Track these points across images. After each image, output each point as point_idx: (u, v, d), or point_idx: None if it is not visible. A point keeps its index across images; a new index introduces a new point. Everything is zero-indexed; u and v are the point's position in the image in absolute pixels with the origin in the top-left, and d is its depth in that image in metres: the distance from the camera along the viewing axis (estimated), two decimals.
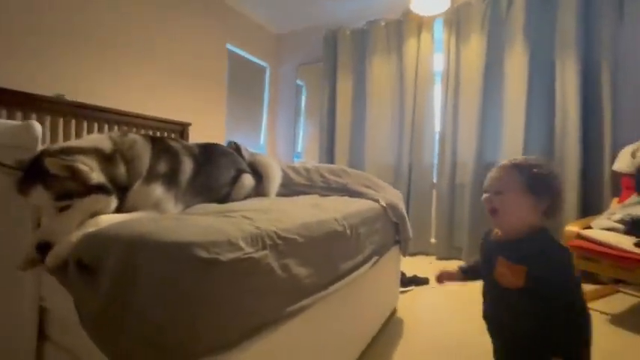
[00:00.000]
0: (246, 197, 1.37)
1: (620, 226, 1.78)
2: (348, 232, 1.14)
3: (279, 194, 1.57)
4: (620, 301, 1.98)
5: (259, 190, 1.46)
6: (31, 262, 0.80)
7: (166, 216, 0.93)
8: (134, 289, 0.69)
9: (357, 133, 3.34)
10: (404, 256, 1.77)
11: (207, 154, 1.32)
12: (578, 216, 2.28)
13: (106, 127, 2.33)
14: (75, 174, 0.81)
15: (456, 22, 2.84)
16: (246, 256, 0.68)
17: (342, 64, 3.38)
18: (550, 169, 0.80)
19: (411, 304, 1.90)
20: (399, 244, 1.71)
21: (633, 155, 2.09)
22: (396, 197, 1.69)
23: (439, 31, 2.98)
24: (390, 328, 1.61)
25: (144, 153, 1.03)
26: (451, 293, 2.15)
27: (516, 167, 0.81)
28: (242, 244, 0.69)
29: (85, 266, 0.75)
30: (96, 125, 2.27)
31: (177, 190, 1.07)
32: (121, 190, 0.93)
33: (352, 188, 1.58)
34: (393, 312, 1.76)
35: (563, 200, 0.81)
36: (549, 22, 2.49)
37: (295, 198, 1.43)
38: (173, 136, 2.68)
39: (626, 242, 1.62)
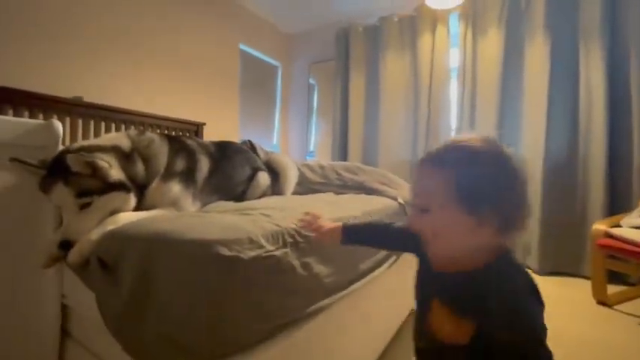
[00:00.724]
0: (262, 196, 1.36)
1: None
2: None
3: (295, 192, 1.56)
4: None
5: (275, 189, 1.45)
6: (54, 260, 0.80)
7: (185, 214, 0.93)
8: (154, 288, 0.68)
9: (370, 130, 3.30)
10: None
11: (223, 152, 1.32)
12: (606, 214, 2.19)
13: (123, 127, 2.36)
14: (95, 171, 0.81)
15: (472, 15, 2.76)
16: (268, 254, 0.67)
17: (354, 61, 3.35)
18: (496, 157, 0.51)
19: None
20: None
21: None
22: None
23: (455, 25, 2.91)
24: (408, 328, 1.57)
25: (161, 151, 1.03)
26: None
27: (441, 164, 0.54)
28: (263, 241, 0.67)
29: (105, 264, 0.75)
30: (113, 126, 2.30)
31: (195, 188, 1.07)
32: (139, 188, 0.93)
33: (369, 185, 1.55)
34: (411, 312, 1.72)
35: (525, 204, 0.51)
36: (572, 11, 2.39)
37: (312, 196, 1.41)
38: (188, 135, 2.71)
39: None
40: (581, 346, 1.42)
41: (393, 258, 1.36)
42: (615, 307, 1.74)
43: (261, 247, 0.66)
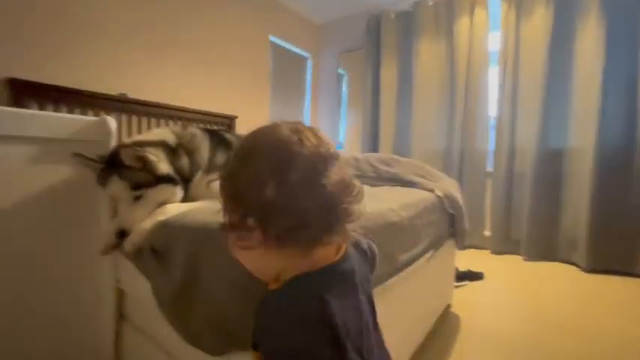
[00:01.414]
0: None
1: None
2: (406, 223, 1.09)
3: None
4: None
5: None
6: (111, 248, 0.86)
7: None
8: (201, 275, 0.71)
9: (402, 119, 3.21)
10: (459, 249, 1.67)
11: None
12: None
13: (162, 122, 2.47)
14: (145, 164, 0.85)
15: None
16: None
17: (386, 49, 3.25)
18: (253, 157, 0.43)
19: (465, 300, 1.81)
20: (454, 237, 1.61)
21: None
22: (453, 187, 1.59)
23: (495, 7, 2.73)
24: (445, 323, 1.54)
25: (203, 145, 1.06)
26: (508, 289, 2.01)
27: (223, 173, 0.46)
28: None
29: (157, 252, 0.80)
30: (154, 121, 2.42)
31: None
32: (185, 180, 0.97)
33: (405, 178, 1.51)
34: (448, 307, 1.68)
35: (307, 212, 0.41)
36: None
37: None
38: (223, 129, 2.78)
39: None
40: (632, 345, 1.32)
41: (431, 252, 1.32)
42: None
43: None
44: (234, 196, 0.44)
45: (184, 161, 0.98)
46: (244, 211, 0.42)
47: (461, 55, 2.83)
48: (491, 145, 2.82)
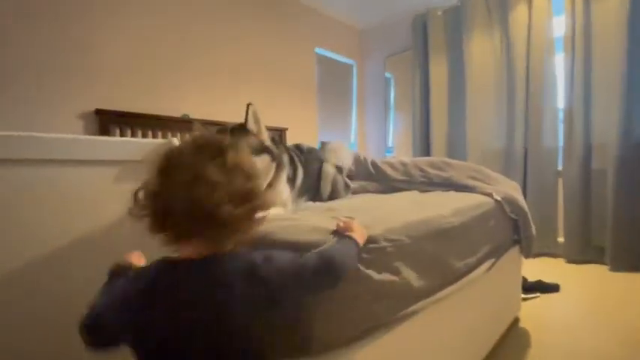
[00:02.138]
0: (332, 187, 1.37)
1: None
2: (458, 230, 1.03)
3: (376, 191, 1.54)
4: None
5: (340, 177, 1.46)
6: None
7: (281, 215, 0.99)
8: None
9: (455, 119, 3.04)
10: (526, 257, 1.52)
11: (303, 154, 1.39)
12: None
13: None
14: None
15: None
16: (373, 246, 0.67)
17: (434, 47, 3.13)
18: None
19: (536, 313, 1.63)
20: (520, 244, 1.48)
21: None
22: (513, 190, 1.46)
23: None
24: (512, 338, 1.41)
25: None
26: (588, 303, 1.77)
27: None
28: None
29: None
30: None
31: (293, 192, 1.16)
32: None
33: (458, 182, 1.43)
34: (515, 321, 1.54)
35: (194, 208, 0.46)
36: None
37: (395, 195, 1.37)
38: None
39: None
40: None
41: (492, 260, 1.23)
42: None
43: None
44: None
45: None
46: None
47: (519, 45, 2.61)
48: (561, 141, 2.53)
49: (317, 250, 0.58)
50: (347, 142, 3.93)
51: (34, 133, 0.89)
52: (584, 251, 2.37)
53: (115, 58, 2.15)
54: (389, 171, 1.60)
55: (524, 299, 1.72)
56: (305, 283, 0.54)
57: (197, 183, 0.46)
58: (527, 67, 2.60)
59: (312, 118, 3.45)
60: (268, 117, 2.98)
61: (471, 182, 1.41)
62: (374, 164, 1.66)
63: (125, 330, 0.49)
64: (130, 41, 2.22)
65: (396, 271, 0.77)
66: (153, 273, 0.50)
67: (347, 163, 1.55)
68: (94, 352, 0.50)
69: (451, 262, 0.99)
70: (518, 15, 2.61)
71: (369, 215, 0.87)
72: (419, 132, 3.28)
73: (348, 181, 1.54)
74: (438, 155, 3.08)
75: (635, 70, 2.14)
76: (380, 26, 3.83)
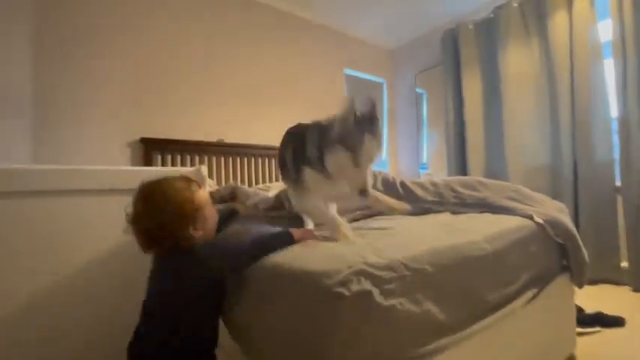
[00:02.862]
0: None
1: None
2: (492, 257, 0.95)
3: (408, 213, 1.48)
4: None
5: None
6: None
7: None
8: (272, 309, 0.74)
9: (492, 134, 2.89)
10: (579, 286, 1.36)
11: None
12: None
13: (253, 160, 2.78)
14: None
15: None
16: (369, 289, 0.64)
17: (466, 61, 3.03)
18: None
19: (596, 351, 1.43)
20: (570, 272, 1.33)
21: None
22: (558, 211, 1.33)
23: None
24: None
25: None
26: None
27: None
28: (364, 277, 0.65)
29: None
30: (245, 160, 2.74)
31: None
32: None
33: (494, 203, 1.34)
34: (570, 359, 1.36)
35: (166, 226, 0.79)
36: None
37: (424, 217, 1.31)
38: None
39: None
40: None
41: (534, 290, 1.12)
42: None
43: (360, 283, 0.64)
44: None
45: None
46: None
47: (560, 53, 2.45)
48: (617, 153, 2.29)
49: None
50: (378, 161, 3.88)
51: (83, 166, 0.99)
52: None
53: (156, 89, 2.35)
54: (419, 192, 1.54)
55: (581, 334, 1.52)
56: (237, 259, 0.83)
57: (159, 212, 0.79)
58: (572, 76, 2.41)
59: None
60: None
61: (508, 203, 1.31)
62: (403, 185, 1.61)
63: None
64: (167, 71, 2.42)
65: (416, 303, 0.72)
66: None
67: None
68: None
69: (483, 294, 0.92)
70: (558, 22, 2.46)
71: (392, 240, 0.84)
72: (453, 149, 3.15)
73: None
74: (476, 173, 2.92)
75: None
76: (409, 43, 3.81)
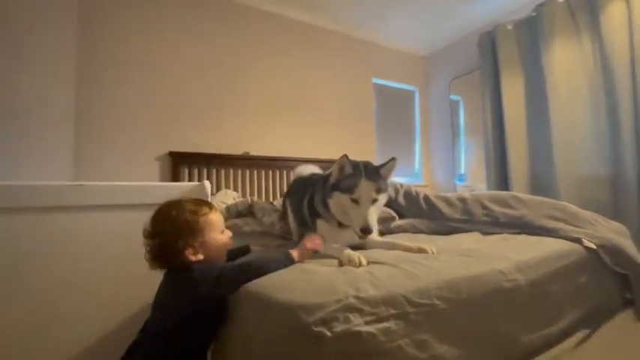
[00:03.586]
0: None
1: None
2: (526, 291, 0.79)
3: (430, 231, 1.33)
4: None
5: None
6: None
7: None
8: (253, 343, 0.66)
9: (537, 140, 2.59)
10: None
11: None
12: None
13: (278, 172, 2.76)
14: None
15: None
16: (359, 329, 0.54)
17: (505, 65, 2.79)
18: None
19: None
20: (635, 307, 1.09)
21: None
22: (616, 233, 1.11)
23: None
24: None
25: None
26: None
27: None
28: (353, 314, 0.55)
29: None
30: (270, 172, 2.73)
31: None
32: None
33: (532, 222, 1.15)
34: None
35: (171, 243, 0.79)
36: None
37: (447, 238, 1.16)
38: None
39: None
40: None
41: (586, 330, 0.92)
42: None
43: (347, 321, 0.54)
44: None
45: None
46: None
47: (617, 48, 2.14)
48: None
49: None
50: (410, 172, 3.69)
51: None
52: None
53: (184, 105, 2.44)
54: (444, 208, 1.39)
55: None
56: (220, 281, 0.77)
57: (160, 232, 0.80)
58: (633, 73, 2.10)
59: (370, 149, 3.35)
60: (325, 150, 3.00)
61: (550, 223, 1.12)
62: (426, 199, 1.47)
63: None
64: (194, 88, 2.49)
65: (422, 347, 0.60)
66: None
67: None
68: None
69: (516, 335, 0.76)
70: (614, 14, 2.17)
71: (397, 268, 0.73)
72: (493, 159, 2.88)
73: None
74: (519, 184, 2.64)
75: None
76: (443, 49, 3.63)
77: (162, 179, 2.32)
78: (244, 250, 1.10)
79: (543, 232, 1.09)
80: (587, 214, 1.15)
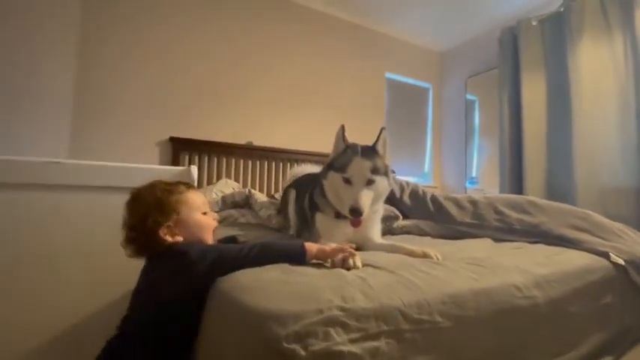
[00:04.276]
0: None
1: None
2: (544, 310, 0.69)
3: (436, 234, 1.23)
4: None
5: None
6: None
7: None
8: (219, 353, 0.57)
9: (557, 146, 2.44)
10: None
11: None
12: None
13: (281, 164, 2.67)
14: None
15: None
16: (340, 348, 0.44)
17: (527, 63, 2.63)
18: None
19: None
20: None
21: None
22: None
23: None
24: None
25: None
26: None
27: None
28: (336, 329, 0.46)
29: None
30: (273, 164, 2.64)
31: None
32: None
33: (551, 231, 1.03)
34: None
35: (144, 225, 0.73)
36: None
37: (453, 243, 1.05)
38: None
39: None
40: None
41: (610, 357, 0.81)
42: None
43: (327, 337, 0.44)
44: None
45: None
46: None
47: None
48: None
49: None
50: (419, 172, 3.55)
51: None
52: None
53: (187, 90, 2.36)
54: (453, 210, 1.28)
55: None
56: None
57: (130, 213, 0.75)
58: None
59: None
60: (330, 145, 2.88)
61: (572, 233, 1.00)
62: (434, 200, 1.36)
63: None
64: (198, 72, 2.41)
65: None
66: None
67: None
68: None
69: (537, 351, 0.66)
70: None
71: (394, 275, 0.63)
72: (508, 164, 2.73)
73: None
74: (534, 192, 2.49)
75: None
76: (461, 45, 3.47)
77: (162, 165, 2.25)
78: (231, 241, 1.01)
79: (563, 243, 0.98)
80: (614, 225, 1.02)
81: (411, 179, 3.26)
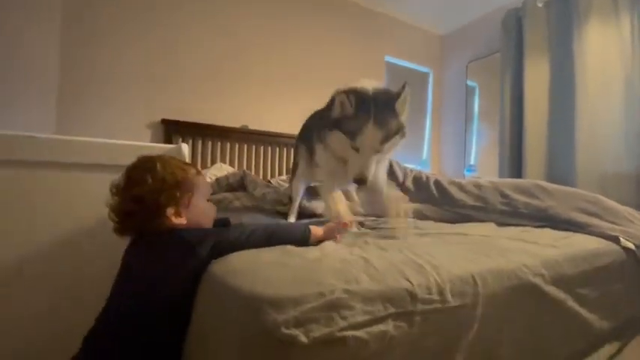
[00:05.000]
0: None
1: None
2: (553, 292, 0.65)
3: (440, 219, 1.19)
4: None
5: None
6: None
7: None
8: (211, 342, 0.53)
9: (558, 133, 2.40)
10: None
11: None
12: None
13: (277, 149, 2.61)
14: None
15: None
16: (344, 334, 0.40)
17: (531, 47, 2.56)
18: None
19: None
20: None
21: None
22: None
23: None
24: None
25: None
26: None
27: None
28: (340, 313, 0.41)
29: None
30: (269, 148, 2.57)
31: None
32: None
33: (559, 215, 1.00)
34: None
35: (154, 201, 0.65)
36: None
37: (457, 227, 1.01)
38: None
39: None
40: None
41: (615, 344, 0.78)
42: None
43: (331, 323, 0.40)
44: None
45: None
46: None
47: None
48: None
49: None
50: (417, 159, 3.51)
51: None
52: None
53: (180, 69, 2.26)
54: (457, 194, 1.24)
55: None
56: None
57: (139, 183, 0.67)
58: None
59: None
60: None
61: (580, 217, 0.96)
62: (437, 184, 1.32)
63: None
64: (193, 53, 2.31)
65: (425, 353, 0.46)
66: None
67: None
68: None
69: (538, 342, 0.62)
70: None
71: (400, 255, 0.58)
72: (508, 149, 2.69)
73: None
74: (533, 176, 2.46)
75: None
76: (462, 28, 3.37)
77: None
78: (224, 223, 0.96)
79: (571, 227, 0.94)
80: (625, 210, 0.99)
81: (409, 166, 3.22)
